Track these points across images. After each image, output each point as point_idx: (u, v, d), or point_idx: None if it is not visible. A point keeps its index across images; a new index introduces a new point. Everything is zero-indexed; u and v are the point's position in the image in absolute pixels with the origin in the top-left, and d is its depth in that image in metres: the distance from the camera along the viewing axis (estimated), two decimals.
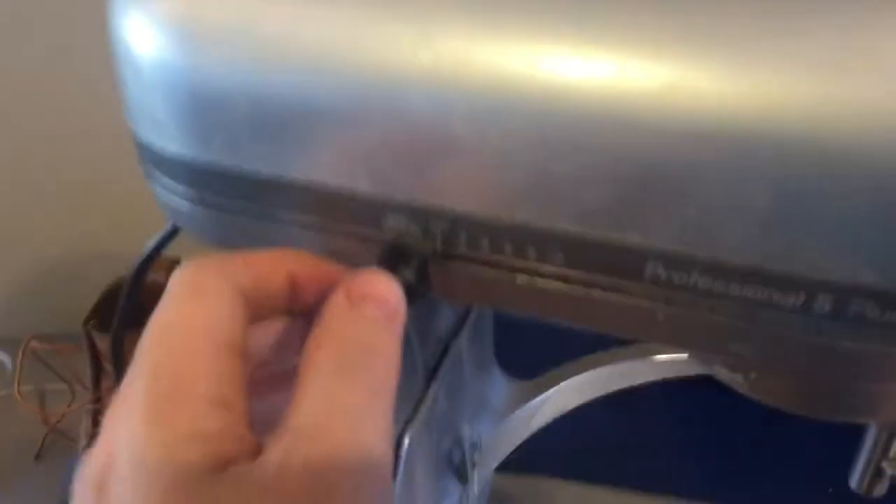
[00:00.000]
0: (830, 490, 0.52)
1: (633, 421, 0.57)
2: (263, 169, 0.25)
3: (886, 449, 0.29)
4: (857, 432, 0.31)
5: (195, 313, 0.21)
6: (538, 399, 0.42)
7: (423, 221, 0.24)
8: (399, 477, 0.32)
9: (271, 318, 0.24)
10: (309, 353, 0.22)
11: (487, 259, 0.24)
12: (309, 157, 0.24)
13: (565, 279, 0.24)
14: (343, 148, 0.24)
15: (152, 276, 0.69)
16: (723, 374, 0.25)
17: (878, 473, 0.30)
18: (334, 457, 0.20)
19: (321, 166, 0.24)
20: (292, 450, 0.20)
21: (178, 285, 0.22)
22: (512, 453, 0.44)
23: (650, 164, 0.21)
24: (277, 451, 0.20)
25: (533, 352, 0.45)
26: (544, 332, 0.44)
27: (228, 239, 0.28)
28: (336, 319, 0.22)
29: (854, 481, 0.31)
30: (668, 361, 0.42)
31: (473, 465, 0.39)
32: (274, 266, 0.23)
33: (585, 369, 0.43)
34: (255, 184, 0.25)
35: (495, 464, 0.43)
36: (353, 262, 0.24)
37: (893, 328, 0.21)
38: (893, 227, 0.19)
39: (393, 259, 0.24)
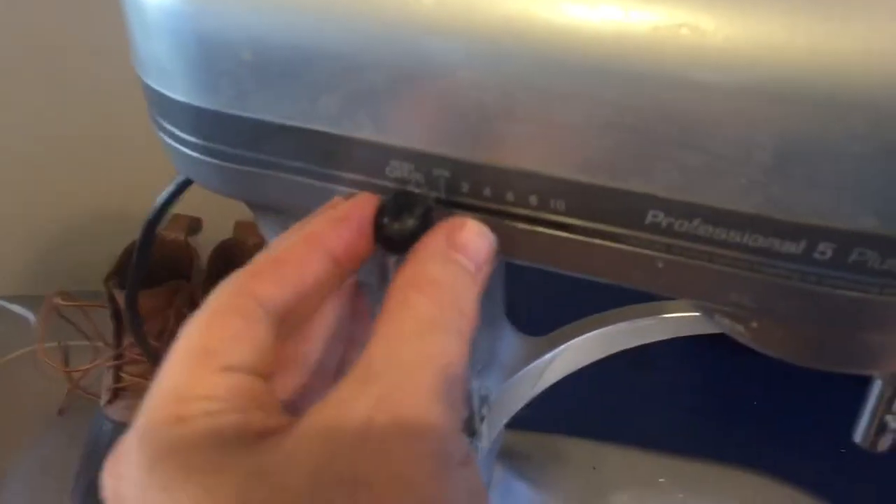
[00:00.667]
0: (843, 451, 0.52)
1: (646, 379, 0.58)
2: (269, 116, 0.25)
3: (890, 402, 0.29)
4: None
5: (209, 336, 0.22)
6: (548, 356, 0.42)
7: (426, 169, 0.24)
8: None
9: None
10: (402, 289, 0.22)
11: (489, 207, 0.24)
12: (313, 104, 0.24)
13: (567, 227, 0.24)
14: (346, 94, 0.24)
15: (172, 234, 0.70)
16: (724, 324, 0.25)
17: (882, 427, 0.30)
18: (421, 422, 0.20)
19: (325, 113, 0.24)
20: (379, 405, 0.20)
21: (202, 307, 0.22)
22: (523, 410, 0.44)
23: (652, 112, 0.21)
24: (360, 397, 0.20)
25: (545, 309, 0.45)
26: (557, 289, 0.44)
27: (234, 188, 0.28)
28: (433, 263, 0.23)
29: (858, 435, 0.31)
30: (680, 319, 0.42)
31: (482, 419, 0.39)
32: (304, 260, 0.23)
33: (596, 327, 0.43)
34: (261, 132, 0.26)
35: (505, 419, 0.44)
36: None
37: (894, 277, 0.21)
38: (893, 176, 0.19)
39: (397, 206, 0.24)
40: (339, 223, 0.24)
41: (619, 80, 0.21)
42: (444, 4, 0.22)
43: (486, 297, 0.40)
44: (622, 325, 0.43)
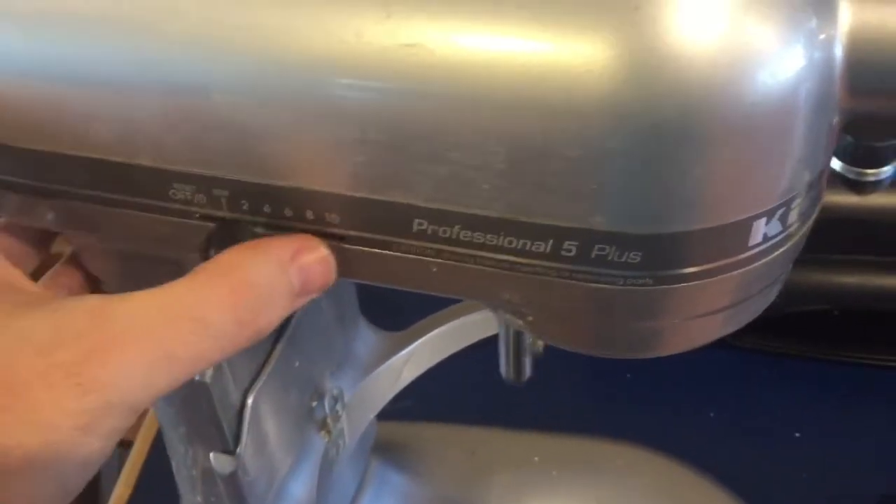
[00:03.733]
0: (712, 415, 0.54)
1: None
2: (42, 146, 0.25)
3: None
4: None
5: None
6: (406, 350, 0.43)
7: (206, 189, 0.25)
8: (244, 437, 0.33)
9: None
10: (209, 271, 0.23)
11: (270, 223, 0.25)
12: (87, 134, 0.25)
13: (343, 238, 0.25)
14: (116, 123, 0.24)
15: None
16: (507, 318, 0.26)
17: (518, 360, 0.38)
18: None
19: (100, 142, 0.25)
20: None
21: None
22: (400, 402, 0.45)
23: (395, 127, 0.21)
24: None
25: (405, 304, 0.46)
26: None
27: (29, 217, 0.28)
28: (264, 266, 0.24)
29: (503, 371, 0.40)
30: None
31: (337, 418, 0.40)
32: None
33: (454, 317, 0.44)
34: (44, 162, 0.26)
35: (371, 415, 0.44)
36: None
37: (636, 268, 0.22)
38: (608, 178, 0.20)
39: (222, 237, 0.25)
40: None
41: (359, 99, 0.21)
42: (191, 31, 0.22)
43: (336, 299, 0.41)
44: (478, 316, 0.44)
